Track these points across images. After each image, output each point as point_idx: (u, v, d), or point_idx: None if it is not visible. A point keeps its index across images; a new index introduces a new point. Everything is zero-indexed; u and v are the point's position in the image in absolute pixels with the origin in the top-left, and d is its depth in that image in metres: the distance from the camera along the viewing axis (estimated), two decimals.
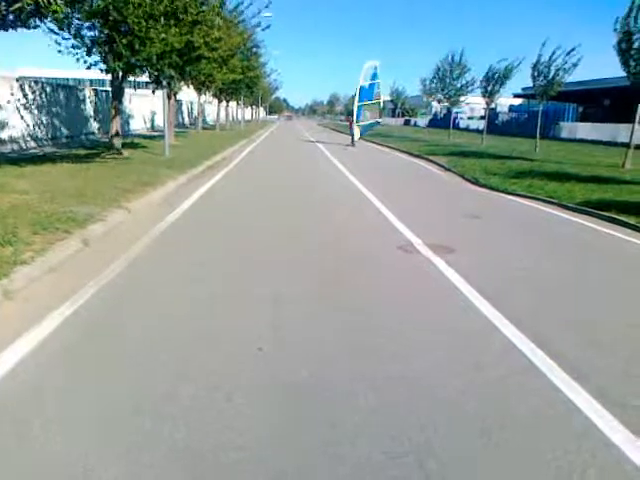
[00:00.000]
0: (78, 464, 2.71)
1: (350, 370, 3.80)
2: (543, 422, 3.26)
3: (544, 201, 12.03)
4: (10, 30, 12.15)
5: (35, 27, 13.00)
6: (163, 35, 14.34)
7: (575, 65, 25.45)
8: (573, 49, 25.21)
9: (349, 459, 2.84)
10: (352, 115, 33.27)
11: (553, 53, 25.82)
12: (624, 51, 18.24)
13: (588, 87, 44.03)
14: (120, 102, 17.89)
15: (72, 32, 14.28)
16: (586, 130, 44.35)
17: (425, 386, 3.62)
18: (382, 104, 34.82)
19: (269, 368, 3.80)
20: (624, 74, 18.96)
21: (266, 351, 4.05)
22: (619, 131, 35.90)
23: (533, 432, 3.15)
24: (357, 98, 32.21)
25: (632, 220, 9.63)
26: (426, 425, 3.16)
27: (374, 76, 31.99)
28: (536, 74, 26.79)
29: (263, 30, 33.44)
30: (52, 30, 13.93)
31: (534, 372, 3.89)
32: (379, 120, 35.04)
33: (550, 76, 26.21)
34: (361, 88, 31.83)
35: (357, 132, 32.40)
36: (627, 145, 20.33)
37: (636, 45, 17.88)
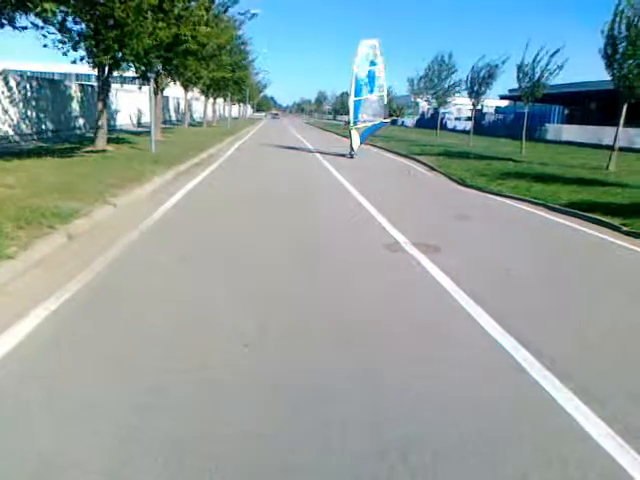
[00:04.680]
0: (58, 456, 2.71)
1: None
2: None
3: (530, 202, 12.12)
4: None
5: (24, 28, 12.91)
6: (151, 29, 14.28)
7: (560, 67, 25.62)
8: (557, 50, 25.39)
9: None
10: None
11: (537, 54, 25.98)
12: (609, 55, 18.47)
13: (574, 89, 44.48)
14: (106, 97, 17.77)
15: (58, 26, 14.17)
16: (572, 132, 44.72)
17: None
18: (387, 98, 24.14)
19: None
20: (609, 77, 19.18)
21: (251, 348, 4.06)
22: (604, 133, 36.22)
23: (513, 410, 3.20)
24: (352, 90, 22.19)
25: (615, 221, 9.75)
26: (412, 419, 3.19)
27: (374, 60, 22.28)
28: (521, 75, 26.93)
29: (250, 19, 33.36)
30: (36, 25, 13.81)
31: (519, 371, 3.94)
32: (386, 120, 24.32)
33: (535, 78, 26.38)
34: (357, 76, 22.06)
35: (356, 138, 22.72)
36: (612, 147, 20.56)
37: (620, 50, 18.11)
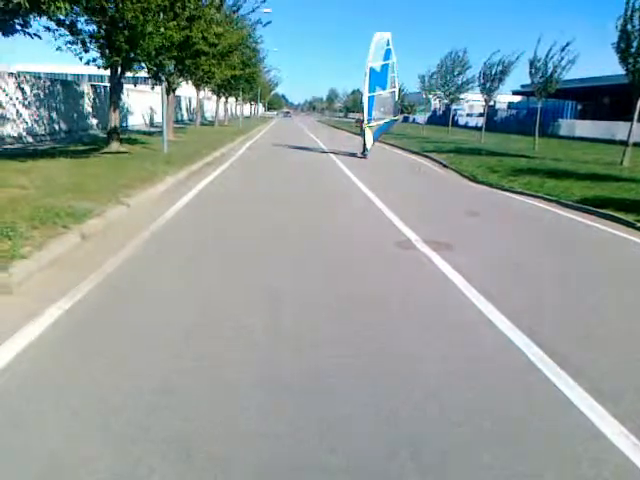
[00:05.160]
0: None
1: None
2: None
3: (542, 198, 12.05)
4: (11, 34, 12.16)
5: (35, 35, 12.93)
6: (162, 30, 14.34)
7: (572, 62, 25.44)
8: (568, 44, 25.21)
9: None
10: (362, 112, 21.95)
11: (550, 50, 25.82)
12: (623, 50, 18.32)
13: (587, 84, 44.17)
14: (119, 98, 17.87)
15: (70, 28, 14.28)
16: (585, 127, 44.40)
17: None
18: (398, 95, 22.86)
19: None
20: (623, 72, 19.02)
21: None
22: (618, 128, 35.93)
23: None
24: (366, 86, 20.96)
25: (630, 218, 9.66)
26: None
27: (387, 54, 20.93)
28: (533, 71, 26.76)
29: (264, 26, 33.32)
30: (48, 28, 13.91)
31: (531, 368, 3.93)
32: (396, 118, 22.95)
33: (548, 73, 26.19)
34: (371, 71, 20.76)
35: (370, 137, 21.62)
36: (625, 143, 20.38)
37: (635, 44, 17.95)
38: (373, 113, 21.26)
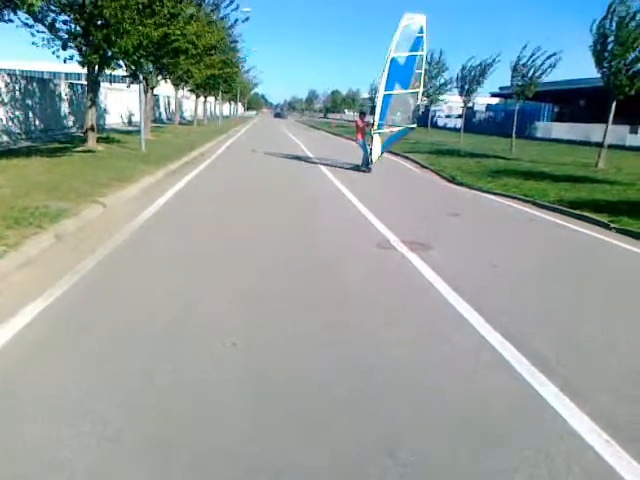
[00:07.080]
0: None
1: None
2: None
3: (520, 199, 12.19)
4: None
5: (9, 21, 12.77)
6: (140, 28, 14.23)
7: (552, 66, 25.66)
8: (554, 54, 25.44)
9: None
10: (372, 114, 17.51)
11: (533, 54, 25.95)
12: (599, 52, 18.60)
13: (563, 87, 44.77)
14: (96, 96, 17.66)
15: (47, 25, 14.12)
16: (561, 130, 45.00)
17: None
18: (420, 96, 18.24)
19: None
20: (599, 75, 19.31)
21: None
22: (593, 131, 36.48)
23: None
24: (383, 81, 15.83)
25: (604, 218, 9.82)
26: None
27: (417, 44, 16.19)
28: (514, 74, 26.95)
29: (243, 22, 33.24)
30: (26, 24, 13.73)
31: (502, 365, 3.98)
32: (412, 126, 17.61)
33: (528, 76, 26.39)
34: (392, 63, 15.67)
35: (377, 147, 16.70)
36: (601, 145, 20.69)
37: (610, 47, 18.24)
38: (387, 118, 16.52)
